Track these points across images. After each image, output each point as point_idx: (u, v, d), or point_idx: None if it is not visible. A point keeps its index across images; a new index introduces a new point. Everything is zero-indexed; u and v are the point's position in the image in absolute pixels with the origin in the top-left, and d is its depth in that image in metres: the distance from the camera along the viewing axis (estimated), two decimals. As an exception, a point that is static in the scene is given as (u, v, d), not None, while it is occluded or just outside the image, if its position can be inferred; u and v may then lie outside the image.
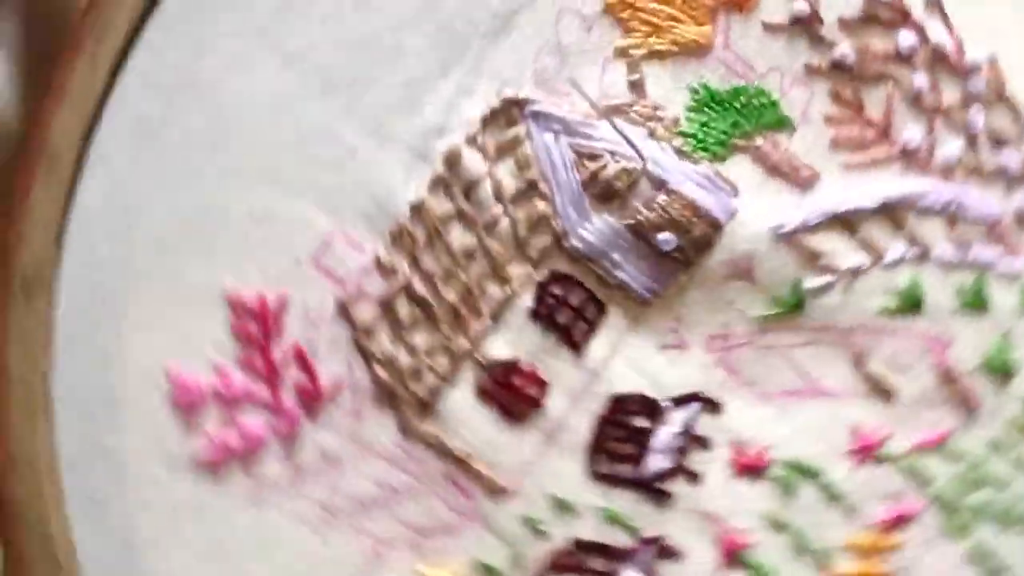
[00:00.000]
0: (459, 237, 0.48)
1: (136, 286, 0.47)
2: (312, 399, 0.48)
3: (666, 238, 0.48)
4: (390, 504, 0.48)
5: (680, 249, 0.48)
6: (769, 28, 0.49)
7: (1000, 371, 0.50)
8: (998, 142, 0.50)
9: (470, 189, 0.48)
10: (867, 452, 0.50)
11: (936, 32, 0.49)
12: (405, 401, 0.48)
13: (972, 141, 0.50)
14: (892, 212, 0.50)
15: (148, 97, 0.47)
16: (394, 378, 0.48)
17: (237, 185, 0.48)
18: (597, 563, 0.49)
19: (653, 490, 0.50)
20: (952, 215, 0.50)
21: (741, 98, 0.49)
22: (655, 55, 0.49)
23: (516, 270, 0.48)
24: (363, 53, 0.48)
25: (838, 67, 0.49)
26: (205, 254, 0.48)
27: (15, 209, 0.47)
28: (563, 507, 0.49)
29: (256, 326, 0.48)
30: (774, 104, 0.49)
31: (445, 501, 0.49)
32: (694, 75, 0.49)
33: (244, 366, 0.48)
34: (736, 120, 0.49)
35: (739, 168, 0.49)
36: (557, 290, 0.49)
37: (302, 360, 0.48)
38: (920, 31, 0.49)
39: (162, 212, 0.47)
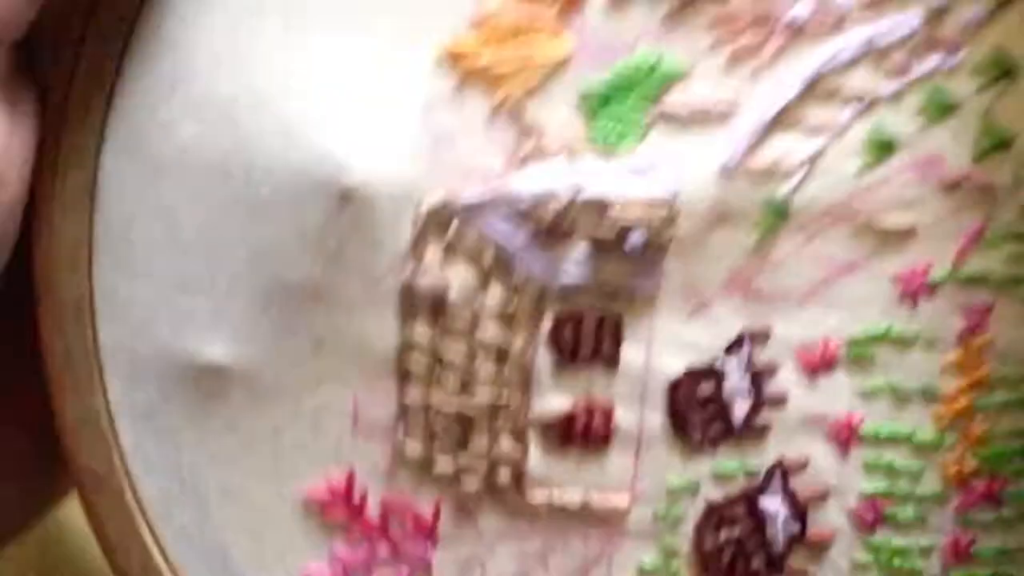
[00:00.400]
0: (455, 346, 0.50)
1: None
2: (425, 530, 0.52)
3: (634, 240, 0.49)
4: (537, 571, 0.53)
5: (652, 240, 0.49)
6: (612, 5, 0.48)
7: (995, 149, 0.50)
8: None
9: (439, 301, 0.50)
10: (918, 290, 0.51)
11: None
12: (498, 492, 0.52)
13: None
14: (817, 87, 0.49)
15: None
16: (479, 483, 0.51)
17: None
18: (739, 511, 0.53)
19: (751, 430, 0.52)
20: (875, 55, 0.49)
21: (626, 77, 0.48)
22: (531, 91, 0.48)
23: (519, 342, 0.50)
24: None
25: (692, 3, 0.48)
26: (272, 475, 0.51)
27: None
28: (681, 490, 0.52)
29: (343, 507, 0.52)
30: (657, 65, 0.48)
31: (582, 542, 0.53)
32: (575, 83, 0.49)
33: (352, 541, 0.52)
34: (634, 99, 0.49)
35: (662, 136, 0.49)
36: (568, 332, 0.50)
37: (395, 508, 0.52)
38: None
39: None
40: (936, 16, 0.49)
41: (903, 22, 0.49)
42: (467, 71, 0.48)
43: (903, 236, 0.51)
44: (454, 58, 0.48)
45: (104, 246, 0.49)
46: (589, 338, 0.51)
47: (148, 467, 0.50)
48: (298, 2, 0.48)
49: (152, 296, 0.49)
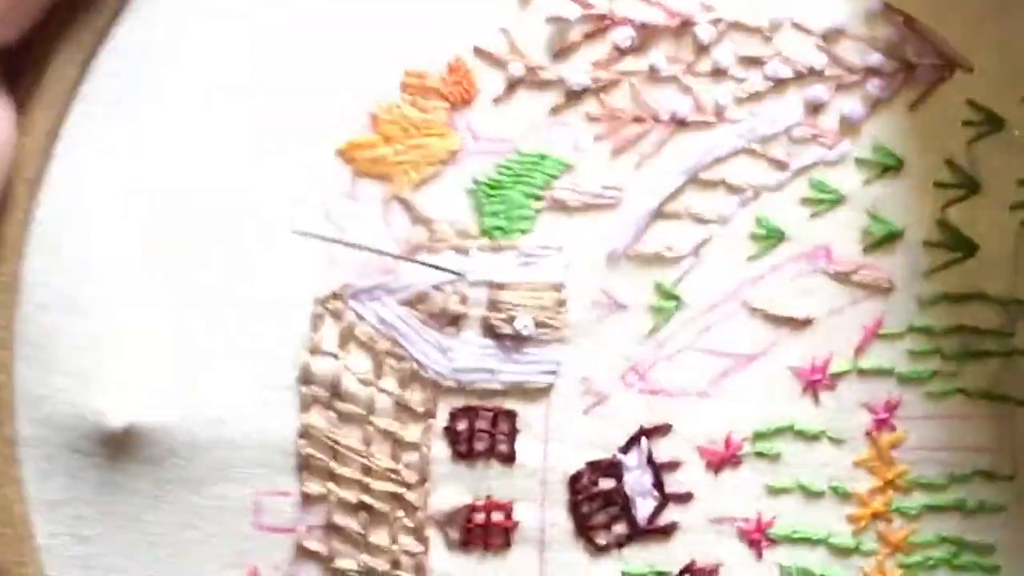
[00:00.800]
0: (353, 434, 0.50)
1: None
2: None
3: (523, 323, 0.50)
4: None
5: (541, 324, 0.50)
6: (499, 100, 0.50)
7: (886, 241, 0.50)
8: (753, 63, 0.50)
9: (336, 390, 0.50)
10: (819, 382, 0.51)
11: (638, 11, 0.50)
12: None
13: (730, 76, 0.50)
14: (700, 177, 0.50)
15: None
16: None
17: None
18: None
19: (657, 531, 0.51)
20: (758, 144, 0.50)
21: (514, 169, 0.50)
22: (422, 183, 0.50)
23: (415, 431, 0.50)
24: None
25: (577, 95, 0.50)
26: None
27: None
28: (588, 595, 0.51)
29: None
30: (543, 157, 0.50)
31: None
32: (465, 176, 0.50)
33: None
34: (523, 190, 0.50)
35: (551, 223, 0.50)
36: (462, 425, 0.50)
37: None
38: (625, 21, 0.50)
39: None
40: (814, 110, 0.51)
41: (782, 115, 0.51)
42: (362, 166, 0.50)
43: (800, 326, 0.51)
44: (351, 153, 0.50)
45: (22, 340, 0.50)
46: (483, 434, 0.51)
47: (58, 560, 0.50)
48: None
49: (64, 387, 0.50)
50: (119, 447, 0.50)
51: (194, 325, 0.50)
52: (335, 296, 0.50)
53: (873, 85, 0.50)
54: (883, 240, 0.50)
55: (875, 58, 0.50)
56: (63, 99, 0.50)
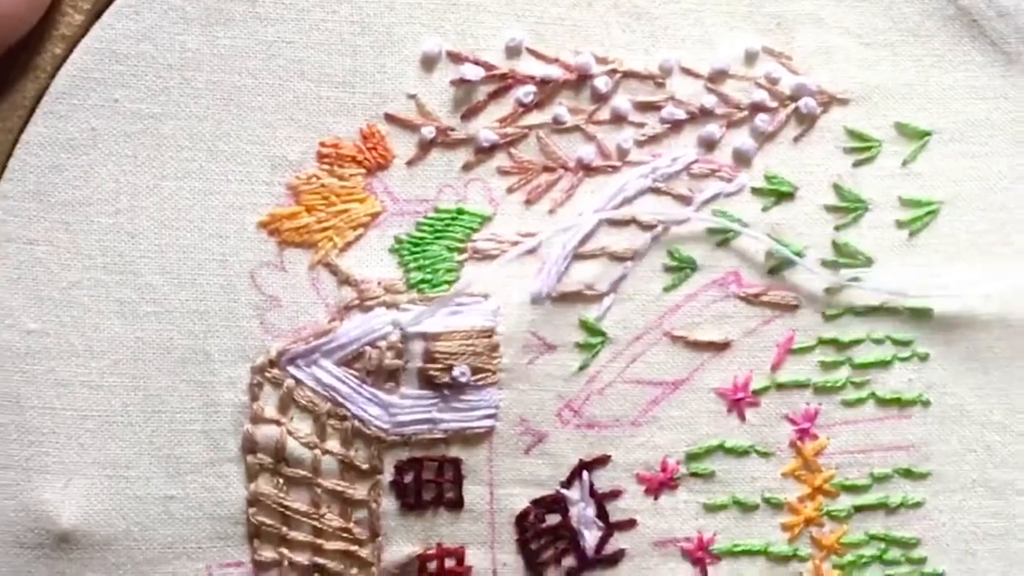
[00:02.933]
0: (302, 497, 0.51)
1: None
2: None
3: (460, 371, 0.51)
4: None
5: (477, 370, 0.52)
6: (413, 162, 0.52)
7: (788, 263, 0.54)
8: (649, 108, 0.54)
9: (281, 456, 0.51)
10: (742, 401, 0.53)
11: (537, 68, 0.53)
12: None
13: (630, 121, 0.53)
14: (614, 220, 0.53)
15: None
16: None
17: None
18: None
19: (605, 559, 0.53)
20: (662, 183, 0.53)
21: (434, 225, 0.52)
22: (346, 247, 0.52)
23: (363, 488, 0.51)
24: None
25: (487, 151, 0.53)
26: None
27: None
28: (546, 629, 0.52)
29: None
30: (461, 211, 0.52)
31: None
32: (387, 238, 0.52)
33: None
34: (444, 244, 0.52)
35: (476, 273, 0.52)
36: (408, 477, 0.52)
37: None
38: (526, 79, 0.53)
39: None
40: (709, 147, 0.54)
41: (680, 154, 0.54)
42: (287, 235, 0.51)
43: (719, 349, 0.54)
44: (275, 224, 0.52)
45: None
46: (430, 484, 0.52)
47: None
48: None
49: (4, 483, 0.50)
50: (66, 537, 0.50)
51: (132, 405, 0.50)
52: (272, 363, 0.51)
53: (760, 120, 0.54)
54: (785, 262, 0.54)
55: (759, 95, 0.54)
56: None
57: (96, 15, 0.51)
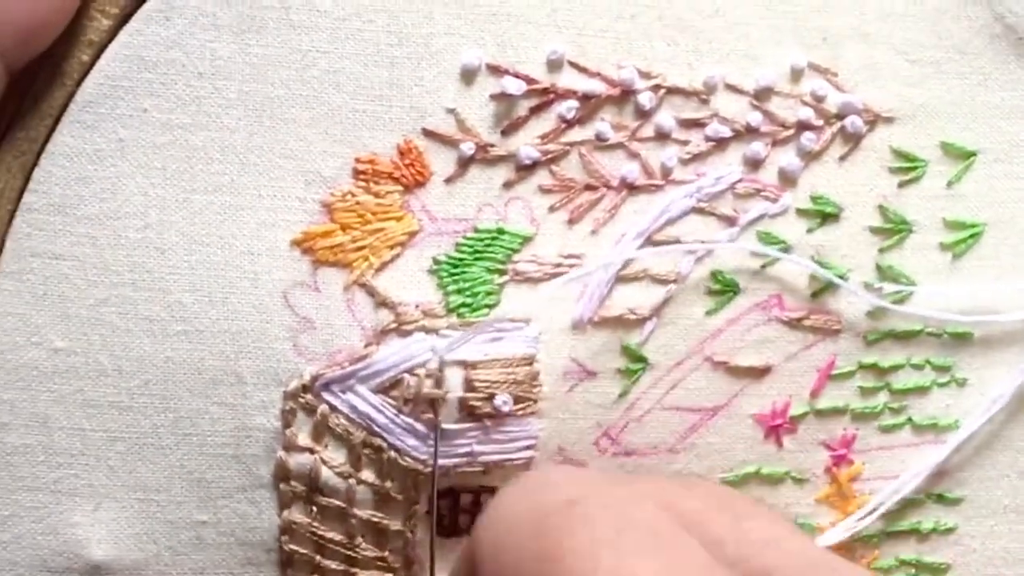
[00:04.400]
0: (335, 526, 0.50)
1: None
2: None
3: (502, 400, 0.50)
4: None
5: (519, 399, 0.50)
6: (451, 180, 0.51)
7: (831, 285, 0.53)
8: (693, 125, 0.52)
9: (315, 485, 0.49)
10: (780, 427, 0.53)
11: (579, 83, 0.51)
12: None
13: (674, 139, 0.52)
14: (655, 239, 0.52)
15: None
16: None
17: None
18: None
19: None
20: (706, 202, 0.52)
21: (474, 246, 0.51)
22: (382, 268, 0.50)
23: (398, 519, 0.50)
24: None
25: (528, 168, 0.51)
26: None
27: None
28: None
29: None
30: (501, 231, 0.51)
31: None
32: (425, 259, 0.50)
33: None
34: (484, 266, 0.51)
35: (516, 297, 0.51)
36: (445, 508, 0.50)
37: None
38: (568, 94, 0.51)
39: None
40: (754, 166, 0.52)
41: (725, 173, 0.52)
42: (321, 255, 0.49)
43: (759, 375, 0.53)
44: (308, 243, 0.49)
45: None
46: (467, 512, 0.51)
47: None
48: None
49: (31, 505, 0.48)
50: (96, 562, 0.48)
51: (162, 428, 0.49)
52: (305, 388, 0.49)
53: (806, 138, 0.52)
54: (828, 285, 0.53)
55: (805, 113, 0.52)
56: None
57: (124, 19, 0.48)
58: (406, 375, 0.50)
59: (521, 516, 0.42)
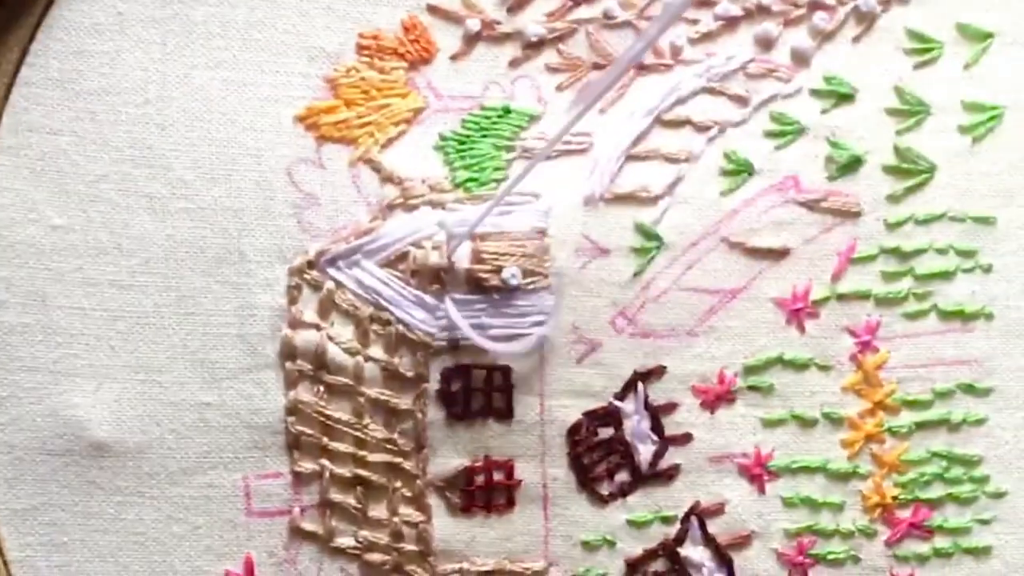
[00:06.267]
0: (343, 407, 0.48)
1: None
2: None
3: (511, 273, 0.49)
4: None
5: (528, 272, 0.49)
6: (457, 57, 0.50)
7: (849, 168, 0.51)
8: (703, 3, 0.51)
9: (321, 362, 0.48)
10: (802, 311, 0.51)
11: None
12: (407, 563, 0.48)
13: (683, 18, 0.51)
14: (666, 118, 0.51)
15: None
16: (386, 551, 0.48)
17: None
18: (660, 564, 0.50)
19: (660, 475, 0.50)
20: (717, 82, 0.51)
21: (480, 123, 0.50)
22: (387, 144, 0.49)
23: (408, 398, 0.48)
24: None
25: (535, 46, 0.50)
26: None
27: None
28: (596, 547, 0.49)
29: None
30: (508, 110, 0.50)
31: None
32: (431, 136, 0.49)
33: None
34: (491, 142, 0.50)
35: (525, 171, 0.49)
36: (456, 386, 0.49)
37: None
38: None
39: None
40: (766, 45, 0.51)
41: (735, 53, 0.51)
42: (325, 131, 0.49)
43: (778, 257, 0.51)
44: (312, 119, 0.49)
45: None
46: (479, 392, 0.49)
47: (34, 572, 0.47)
48: None
49: (30, 386, 0.47)
50: (97, 443, 0.47)
51: (164, 307, 0.47)
52: (310, 265, 0.48)
53: (819, 18, 0.51)
54: (846, 167, 0.51)
55: (817, -9, 0.52)
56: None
57: None
58: (412, 248, 0.48)
59: None
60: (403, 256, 0.48)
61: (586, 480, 0.49)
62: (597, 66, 0.51)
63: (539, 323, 0.49)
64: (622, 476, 0.50)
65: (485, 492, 0.49)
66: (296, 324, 0.48)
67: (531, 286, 0.49)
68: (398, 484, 0.48)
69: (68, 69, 0.48)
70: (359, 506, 0.48)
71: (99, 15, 0.48)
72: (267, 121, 0.48)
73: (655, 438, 0.50)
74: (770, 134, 0.51)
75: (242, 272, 0.48)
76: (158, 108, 0.48)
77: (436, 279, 0.48)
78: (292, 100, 0.49)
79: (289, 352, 0.48)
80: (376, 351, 0.48)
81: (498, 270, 0.48)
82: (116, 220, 0.48)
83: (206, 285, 0.48)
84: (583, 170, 0.50)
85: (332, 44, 0.49)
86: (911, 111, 0.52)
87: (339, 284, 0.48)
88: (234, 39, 0.48)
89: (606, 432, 0.50)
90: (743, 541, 0.50)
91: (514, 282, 0.48)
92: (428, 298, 0.48)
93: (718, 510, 0.50)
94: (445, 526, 0.48)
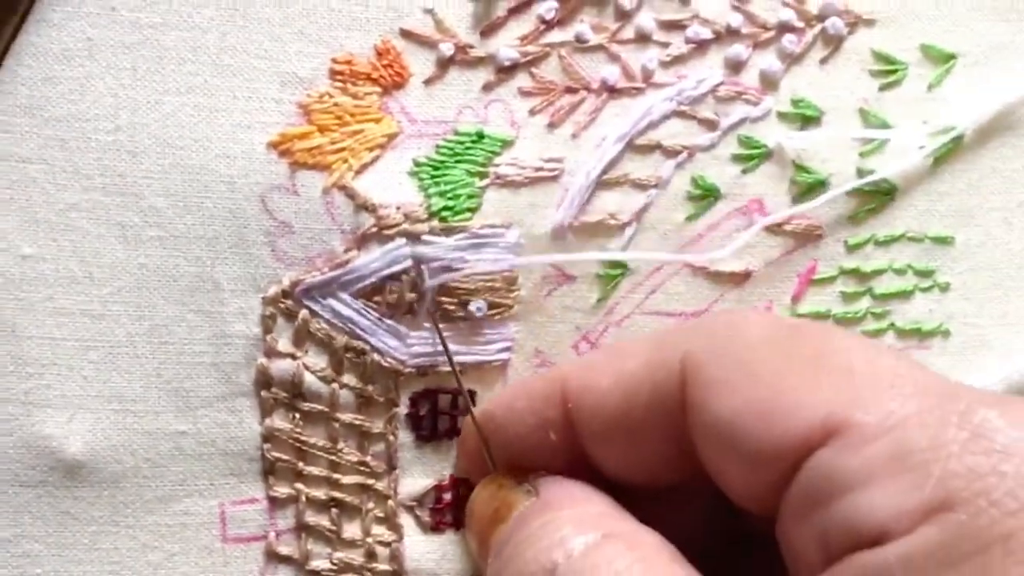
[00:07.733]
0: (318, 432, 0.49)
1: None
2: None
3: (476, 307, 0.50)
4: None
5: (494, 305, 0.50)
6: (430, 81, 0.50)
7: (812, 190, 0.52)
8: (673, 26, 0.51)
9: (297, 390, 0.49)
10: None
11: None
12: None
13: (654, 41, 0.51)
14: (636, 144, 0.51)
15: None
16: (360, 572, 0.50)
17: None
18: None
19: (619, 492, 0.52)
20: (688, 106, 0.51)
21: (454, 148, 0.50)
22: (361, 170, 0.50)
23: (380, 422, 0.50)
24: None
25: (508, 70, 0.50)
26: None
27: None
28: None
29: None
30: (482, 135, 0.50)
31: None
32: (405, 162, 0.50)
33: None
34: (464, 168, 0.50)
35: (496, 200, 0.50)
36: (424, 409, 0.50)
37: None
38: (548, -10, 0.50)
39: None
40: (735, 68, 0.52)
41: (706, 75, 0.52)
42: (299, 157, 0.49)
43: (740, 280, 0.52)
44: (286, 145, 0.49)
45: None
46: (445, 415, 0.50)
47: None
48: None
49: (2, 417, 0.48)
50: (71, 474, 0.48)
51: (137, 336, 0.48)
52: (285, 294, 0.49)
53: (787, 40, 0.52)
54: (809, 189, 0.52)
55: (786, 14, 0.52)
56: None
57: (93, -86, 0.47)
58: (385, 278, 0.49)
59: (769, 326, 0.42)
60: (378, 288, 0.49)
61: (550, 497, 0.51)
62: (570, 89, 0.51)
63: (505, 349, 0.50)
64: None
65: (453, 509, 0.50)
66: (271, 353, 0.49)
67: (496, 317, 0.50)
68: (371, 505, 0.50)
69: (37, 96, 0.47)
70: (334, 528, 0.49)
71: (68, 41, 0.47)
72: (240, 148, 0.48)
73: (618, 456, 0.52)
74: (738, 158, 0.52)
75: (216, 301, 0.48)
76: (129, 135, 0.48)
77: (408, 310, 0.49)
78: (265, 126, 0.49)
79: (265, 380, 0.49)
80: (350, 378, 0.49)
81: (465, 304, 0.49)
82: (87, 249, 0.48)
83: (179, 314, 0.48)
84: (554, 198, 0.50)
85: (305, 69, 0.49)
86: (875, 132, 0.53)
87: (314, 313, 0.49)
88: (206, 64, 0.48)
89: (571, 452, 0.51)
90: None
91: (479, 315, 0.50)
92: (402, 327, 0.49)
93: None
94: (417, 544, 0.50)
